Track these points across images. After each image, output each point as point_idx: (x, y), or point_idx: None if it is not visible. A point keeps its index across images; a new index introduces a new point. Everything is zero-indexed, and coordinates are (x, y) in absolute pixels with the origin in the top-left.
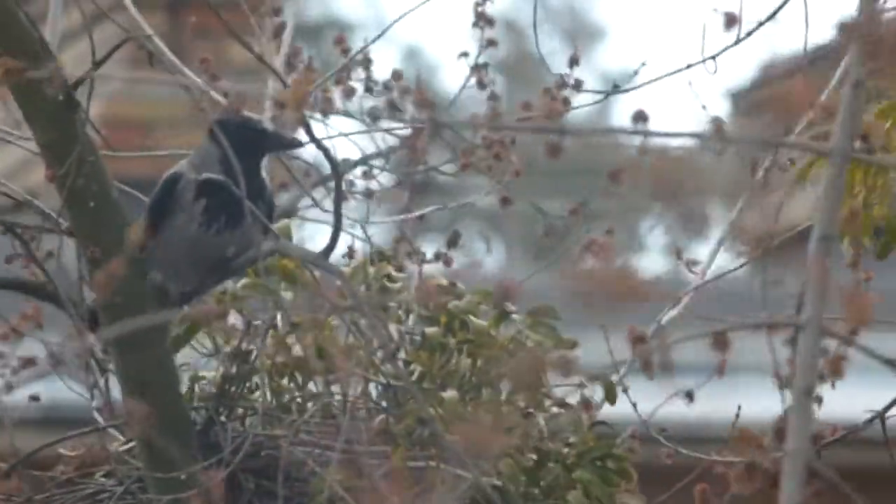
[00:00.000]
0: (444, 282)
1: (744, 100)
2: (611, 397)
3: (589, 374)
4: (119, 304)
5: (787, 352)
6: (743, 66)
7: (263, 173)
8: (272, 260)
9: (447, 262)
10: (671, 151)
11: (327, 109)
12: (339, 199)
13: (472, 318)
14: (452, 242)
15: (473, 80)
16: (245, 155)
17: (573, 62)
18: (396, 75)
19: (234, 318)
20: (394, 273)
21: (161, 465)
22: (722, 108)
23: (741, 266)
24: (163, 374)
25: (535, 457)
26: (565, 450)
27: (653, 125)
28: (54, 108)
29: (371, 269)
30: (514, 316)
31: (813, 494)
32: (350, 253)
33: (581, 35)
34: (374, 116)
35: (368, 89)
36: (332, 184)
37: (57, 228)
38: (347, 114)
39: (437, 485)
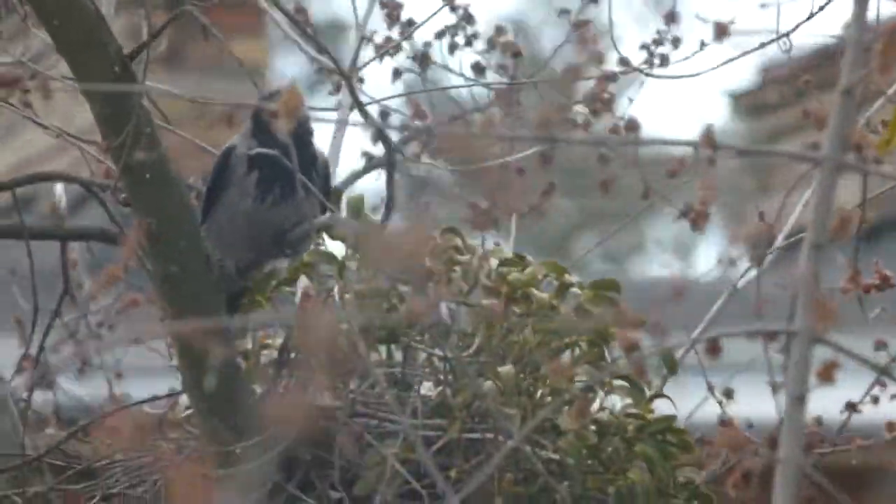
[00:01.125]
0: (510, 254)
1: (744, 101)
2: (673, 370)
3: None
4: (176, 274)
5: (780, 359)
6: (743, 69)
7: (316, 146)
8: (337, 229)
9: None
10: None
11: (425, 63)
12: (392, 175)
13: (533, 290)
14: None
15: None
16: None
17: (670, 19)
18: (499, 30)
19: (305, 282)
20: (461, 244)
21: (218, 436)
22: (722, 110)
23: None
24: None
25: (594, 429)
26: (626, 423)
27: (652, 130)
28: (111, 79)
29: (438, 241)
30: (575, 289)
31: (806, 500)
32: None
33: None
34: (478, 69)
35: (468, 43)
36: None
37: (114, 199)
38: (447, 68)
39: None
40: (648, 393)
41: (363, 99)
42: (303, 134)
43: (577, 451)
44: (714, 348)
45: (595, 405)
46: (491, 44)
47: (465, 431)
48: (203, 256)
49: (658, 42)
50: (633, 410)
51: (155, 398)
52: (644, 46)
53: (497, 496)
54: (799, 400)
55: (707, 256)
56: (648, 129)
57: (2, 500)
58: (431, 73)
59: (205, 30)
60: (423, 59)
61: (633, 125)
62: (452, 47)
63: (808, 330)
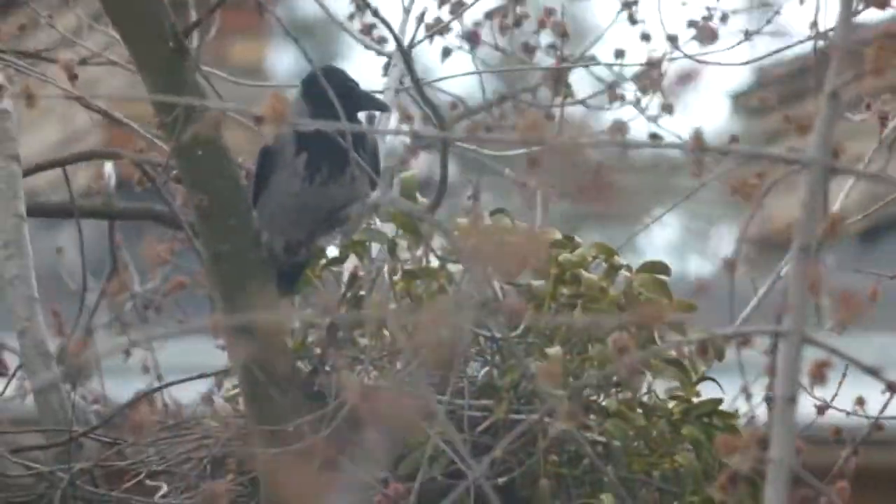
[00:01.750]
0: (559, 235)
1: (742, 101)
2: (720, 355)
3: (701, 332)
4: (226, 251)
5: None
6: (742, 68)
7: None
8: (388, 208)
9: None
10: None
11: (475, 41)
12: (446, 156)
13: (583, 271)
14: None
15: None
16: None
17: None
18: (548, 12)
19: (353, 262)
20: (512, 224)
21: (265, 415)
22: (722, 110)
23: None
24: (269, 321)
25: (640, 412)
26: (672, 405)
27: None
28: (165, 55)
29: (488, 222)
30: (625, 272)
31: (798, 501)
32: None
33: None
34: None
35: (518, 24)
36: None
37: (154, 178)
38: (497, 48)
39: (539, 439)
40: (695, 376)
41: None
42: (352, 112)
43: (623, 432)
44: (705, 350)
45: (643, 388)
46: (541, 24)
47: (512, 412)
48: (253, 235)
49: (707, 18)
50: (679, 393)
51: (203, 375)
52: (692, 23)
53: (542, 478)
54: (790, 400)
55: (702, 256)
56: (649, 129)
57: (48, 475)
58: (481, 52)
59: (259, 7)
60: (472, 38)
61: (620, 127)
62: (504, 28)
63: (797, 330)
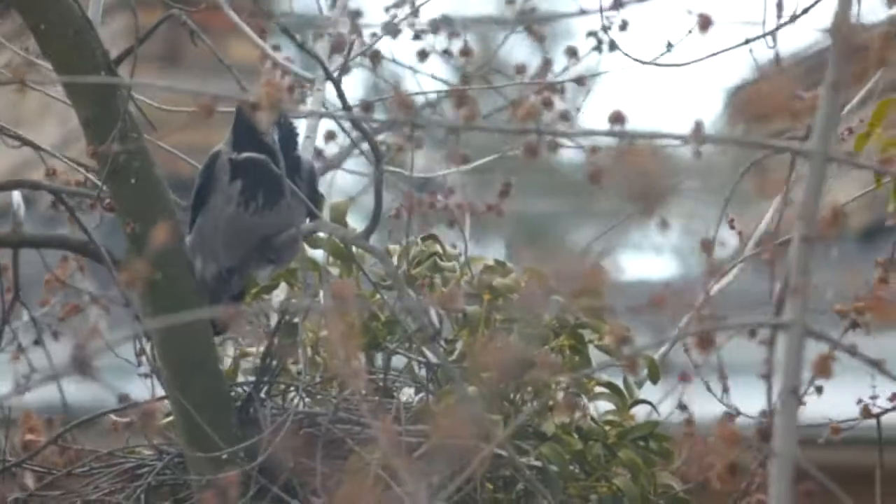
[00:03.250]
0: (491, 261)
1: (737, 98)
2: (654, 376)
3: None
4: (159, 281)
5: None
6: (737, 64)
7: (300, 151)
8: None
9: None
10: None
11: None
12: (381, 180)
13: (516, 295)
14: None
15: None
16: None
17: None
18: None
19: (283, 290)
20: (444, 251)
21: (200, 442)
22: (716, 106)
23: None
24: (202, 351)
25: (576, 436)
26: (607, 429)
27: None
28: (96, 84)
29: (420, 248)
30: (557, 296)
31: (803, 495)
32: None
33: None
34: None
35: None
36: (373, 166)
37: (98, 203)
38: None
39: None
40: (630, 399)
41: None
42: (287, 139)
43: (559, 456)
44: (705, 342)
45: (577, 412)
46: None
47: (448, 438)
48: (186, 264)
49: (606, 28)
50: (613, 417)
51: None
52: (592, 33)
53: (478, 503)
54: (793, 393)
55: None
56: (643, 124)
57: None
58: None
59: (192, 35)
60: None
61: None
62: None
63: (799, 322)
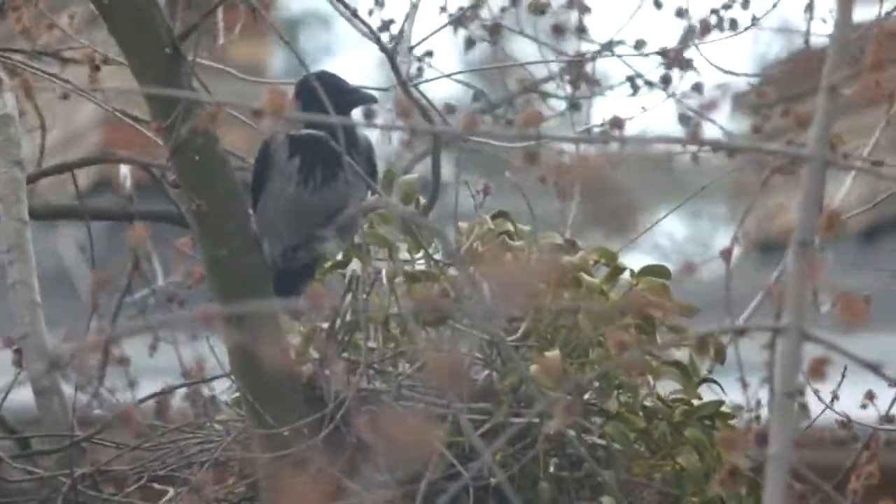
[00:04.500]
0: (560, 239)
1: (743, 99)
2: (720, 357)
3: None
4: (224, 256)
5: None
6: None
7: (357, 128)
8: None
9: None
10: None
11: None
12: (438, 159)
13: (584, 275)
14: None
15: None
16: (334, 111)
17: None
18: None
19: (357, 265)
20: (516, 229)
21: (265, 419)
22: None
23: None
24: (268, 329)
25: (641, 415)
26: (673, 408)
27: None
28: (161, 61)
29: (490, 226)
30: (626, 275)
31: (797, 498)
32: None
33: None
34: (558, 31)
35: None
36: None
37: (162, 181)
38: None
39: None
40: (696, 379)
41: (430, 73)
42: (345, 114)
43: (623, 435)
44: (703, 346)
45: (644, 390)
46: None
47: (512, 416)
48: (251, 240)
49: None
50: (681, 396)
51: (202, 381)
52: (714, 11)
53: (542, 481)
54: (789, 396)
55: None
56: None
57: (50, 480)
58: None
59: (254, 11)
60: (494, 28)
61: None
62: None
63: (796, 326)
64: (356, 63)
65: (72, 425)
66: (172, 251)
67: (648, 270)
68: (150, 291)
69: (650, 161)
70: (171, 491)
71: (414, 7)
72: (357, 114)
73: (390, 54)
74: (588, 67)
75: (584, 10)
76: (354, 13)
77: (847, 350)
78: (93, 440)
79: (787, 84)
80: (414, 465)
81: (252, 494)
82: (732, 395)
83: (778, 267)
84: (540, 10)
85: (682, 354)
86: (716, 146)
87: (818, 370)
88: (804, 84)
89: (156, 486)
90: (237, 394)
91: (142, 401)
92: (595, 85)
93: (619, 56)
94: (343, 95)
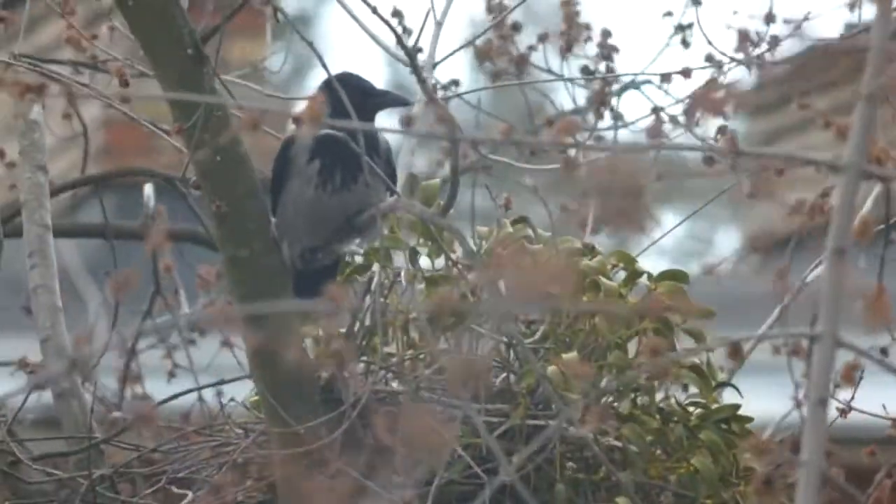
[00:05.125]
0: (579, 243)
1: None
2: (738, 360)
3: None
4: (244, 257)
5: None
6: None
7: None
8: (403, 214)
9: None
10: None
11: (522, 64)
12: (457, 164)
13: (602, 278)
14: None
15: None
16: (357, 113)
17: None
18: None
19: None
20: (536, 233)
21: (283, 420)
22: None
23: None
24: (287, 330)
25: (658, 417)
26: (690, 410)
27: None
28: (183, 62)
29: (509, 230)
30: (644, 279)
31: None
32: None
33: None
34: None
35: (569, 47)
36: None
37: (183, 182)
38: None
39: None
40: (714, 382)
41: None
42: (369, 117)
43: (639, 437)
44: (736, 351)
45: (660, 393)
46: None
47: (528, 417)
48: (270, 241)
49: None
50: (698, 399)
51: (220, 382)
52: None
53: (558, 482)
54: (821, 403)
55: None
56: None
57: (68, 482)
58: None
59: (276, 12)
60: (520, 61)
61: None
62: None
63: (830, 333)
64: (360, 64)
65: (90, 427)
66: (197, 279)
67: (667, 274)
68: (173, 320)
69: (673, 169)
70: (190, 494)
71: (439, 25)
72: (394, 121)
73: (419, 72)
74: (613, 102)
75: (613, 50)
76: (394, 35)
77: (880, 358)
78: (111, 442)
79: (794, 81)
80: (432, 466)
81: (270, 496)
82: (749, 398)
83: (782, 269)
84: (485, 58)
85: (698, 357)
86: (753, 155)
87: (849, 377)
88: (812, 80)
89: (174, 489)
90: (256, 397)
91: (160, 403)
92: (619, 119)
93: (643, 92)
94: (370, 98)
